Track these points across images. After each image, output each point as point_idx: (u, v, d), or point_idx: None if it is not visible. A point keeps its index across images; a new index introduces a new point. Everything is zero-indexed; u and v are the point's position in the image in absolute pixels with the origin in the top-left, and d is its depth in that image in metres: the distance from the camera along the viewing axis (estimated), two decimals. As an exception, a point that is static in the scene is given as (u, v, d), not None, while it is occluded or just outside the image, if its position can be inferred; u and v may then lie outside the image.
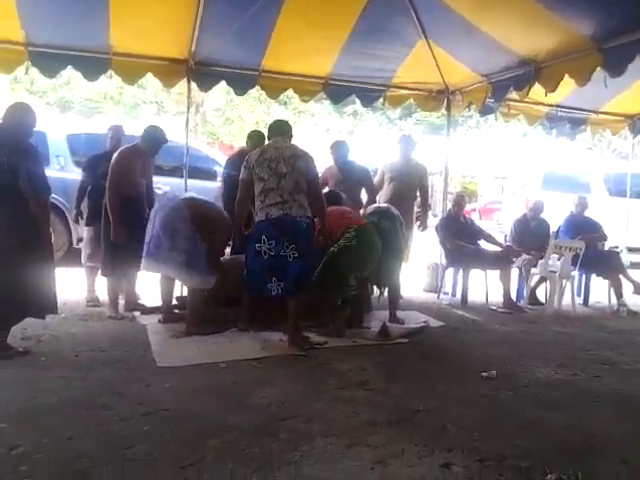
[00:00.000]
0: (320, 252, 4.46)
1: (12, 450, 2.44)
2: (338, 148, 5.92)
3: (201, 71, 5.97)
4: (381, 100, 6.89)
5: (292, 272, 4.08)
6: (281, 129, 4.43)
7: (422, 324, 5.00)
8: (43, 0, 4.85)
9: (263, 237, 4.12)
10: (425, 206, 6.34)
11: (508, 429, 2.97)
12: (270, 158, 4.14)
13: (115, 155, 4.80)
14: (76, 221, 5.77)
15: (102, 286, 5.12)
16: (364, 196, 5.95)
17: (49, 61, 5.44)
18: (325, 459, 2.52)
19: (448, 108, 6.96)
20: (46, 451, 2.46)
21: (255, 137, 5.43)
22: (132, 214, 4.73)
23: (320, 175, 5.71)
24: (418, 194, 6.35)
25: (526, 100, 6.65)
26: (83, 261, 5.34)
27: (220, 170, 7.41)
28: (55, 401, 3.00)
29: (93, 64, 5.58)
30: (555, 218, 7.01)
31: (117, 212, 4.67)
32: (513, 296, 6.30)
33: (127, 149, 4.88)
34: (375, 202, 5.94)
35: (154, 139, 4.93)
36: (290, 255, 4.08)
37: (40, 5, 4.89)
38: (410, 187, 6.12)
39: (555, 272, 6.20)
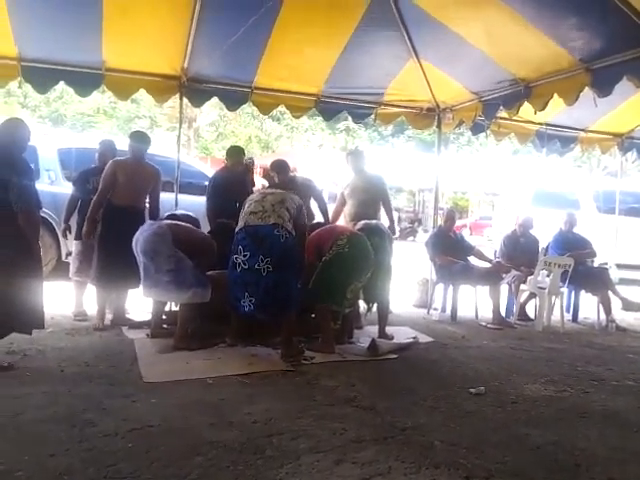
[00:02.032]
0: (308, 268, 4.47)
1: (-7, 467, 2.41)
2: (354, 157, 6.03)
3: (193, 87, 5.99)
4: (372, 117, 6.95)
5: (265, 286, 4.06)
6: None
7: (411, 340, 5.00)
8: (36, 15, 4.84)
9: (239, 248, 4.12)
10: (390, 216, 6.15)
11: (496, 445, 2.95)
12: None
13: (108, 164, 4.90)
14: (64, 235, 5.77)
15: (90, 300, 5.08)
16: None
17: (41, 76, 5.45)
18: (311, 476, 2.50)
19: (439, 126, 7.02)
20: (27, 468, 2.42)
21: (233, 153, 5.58)
22: (121, 226, 4.74)
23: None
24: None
25: (516, 119, 6.71)
26: (71, 275, 5.31)
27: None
28: (38, 417, 2.95)
29: (86, 80, 5.59)
30: (545, 234, 7.06)
31: (94, 211, 4.82)
32: (502, 312, 6.31)
33: (120, 160, 4.95)
34: (392, 215, 5.99)
35: (137, 143, 5.05)
36: (264, 269, 4.07)
37: (33, 20, 4.90)
38: (370, 200, 5.90)
39: (544, 288, 6.22)
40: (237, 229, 4.27)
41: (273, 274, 4.06)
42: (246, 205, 4.37)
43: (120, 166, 4.92)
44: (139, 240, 4.44)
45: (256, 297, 4.10)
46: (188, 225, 4.70)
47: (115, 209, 4.88)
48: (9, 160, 3.58)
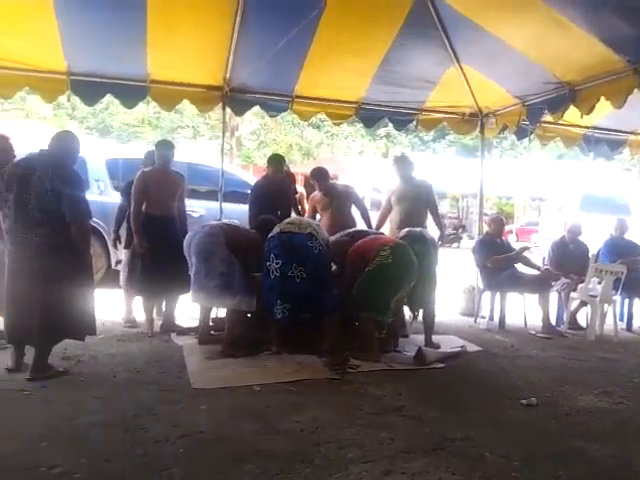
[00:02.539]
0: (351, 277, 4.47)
1: (51, 469, 2.48)
2: (401, 164, 6.03)
3: (235, 97, 6.08)
4: (414, 123, 6.89)
5: (301, 292, 4.07)
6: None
7: (458, 349, 4.91)
8: (85, 31, 5.01)
9: (272, 255, 4.14)
10: (438, 223, 6.09)
11: (549, 459, 2.88)
12: None
13: (136, 176, 5.01)
14: (114, 245, 5.90)
15: (139, 308, 5.20)
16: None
17: (89, 89, 5.61)
18: (360, 486, 2.49)
19: (482, 131, 6.92)
20: (84, 471, 2.49)
21: (274, 161, 5.67)
22: (156, 234, 4.86)
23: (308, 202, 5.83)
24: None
25: (561, 122, 6.56)
26: (122, 283, 5.44)
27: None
28: (93, 421, 3.03)
29: (131, 92, 5.74)
30: (594, 240, 6.87)
31: (137, 223, 4.90)
32: (553, 320, 6.15)
33: (148, 170, 5.07)
34: (439, 220, 5.91)
35: (166, 151, 5.15)
36: (298, 276, 4.07)
37: (82, 36, 5.07)
38: (416, 208, 5.84)
39: (596, 296, 6.03)
40: (270, 235, 4.29)
41: (307, 281, 4.08)
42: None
43: (149, 176, 5.03)
44: (192, 242, 4.52)
45: (291, 303, 4.11)
46: (236, 223, 4.79)
47: (149, 218, 4.97)
48: (61, 172, 3.69)
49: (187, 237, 4.64)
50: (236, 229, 4.71)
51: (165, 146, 5.27)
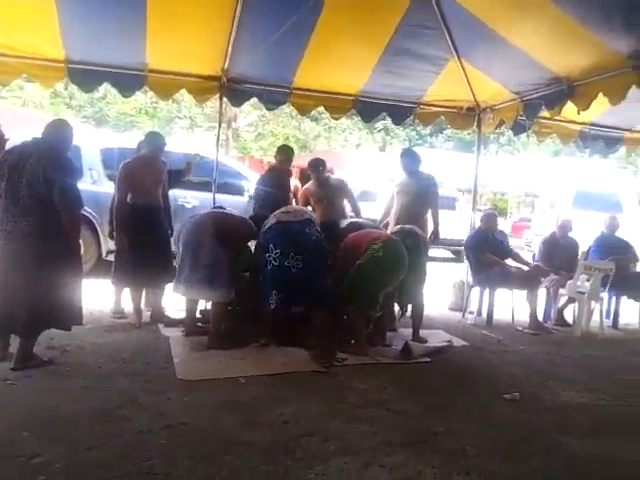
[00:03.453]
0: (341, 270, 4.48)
1: (32, 459, 2.49)
2: (406, 158, 6.02)
3: (233, 88, 6.06)
4: (412, 117, 6.88)
5: (293, 282, 4.09)
6: None
7: (445, 343, 4.94)
8: (83, 19, 4.99)
9: (270, 246, 4.15)
10: (436, 219, 6.01)
11: (529, 453, 2.91)
12: None
13: (120, 167, 4.97)
14: (111, 236, 5.84)
15: (127, 298, 5.19)
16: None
17: (87, 77, 5.59)
18: (340, 479, 2.50)
19: (479, 126, 6.91)
20: (65, 461, 2.50)
21: (284, 152, 5.72)
22: (142, 225, 4.84)
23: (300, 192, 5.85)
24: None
25: (558, 118, 6.54)
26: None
27: (247, 185, 7.63)
28: (76, 411, 3.04)
29: (129, 81, 5.71)
30: (586, 237, 6.88)
31: (118, 218, 4.88)
32: (540, 317, 6.18)
33: (131, 160, 5.04)
34: (438, 220, 5.95)
35: (156, 142, 5.14)
36: (294, 266, 4.09)
37: (80, 24, 5.06)
38: (416, 204, 5.78)
39: (584, 293, 6.06)
40: (267, 227, 4.29)
41: (302, 271, 4.08)
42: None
43: (132, 166, 4.98)
44: (182, 232, 4.52)
45: (283, 293, 4.12)
46: (227, 211, 4.77)
47: (135, 208, 4.93)
48: (54, 159, 3.68)
49: (177, 228, 4.63)
50: (226, 217, 4.68)
51: (155, 137, 5.27)
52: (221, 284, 4.35)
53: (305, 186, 5.96)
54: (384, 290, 4.51)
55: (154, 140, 5.20)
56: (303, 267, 4.10)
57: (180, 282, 4.49)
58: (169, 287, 5.02)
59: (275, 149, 6.21)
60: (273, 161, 6.11)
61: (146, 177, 4.97)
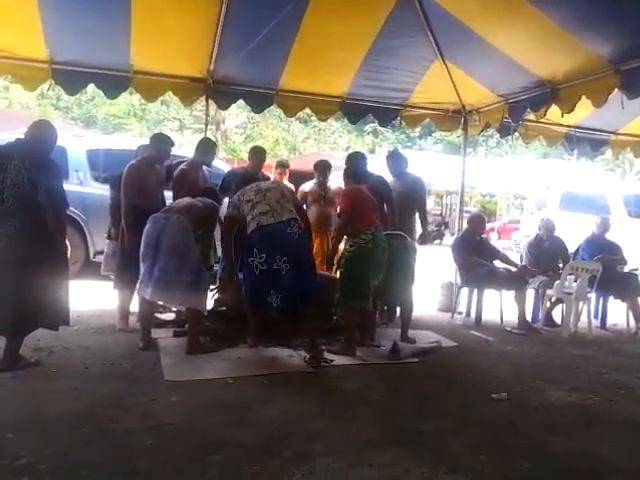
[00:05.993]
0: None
1: (15, 461, 2.46)
2: (392, 160, 6.01)
3: (219, 89, 6.06)
4: (398, 119, 6.91)
5: (287, 284, 4.08)
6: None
7: (434, 344, 4.95)
8: (67, 19, 4.97)
9: (255, 250, 4.14)
10: (423, 222, 5.99)
11: (515, 452, 2.92)
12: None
13: (125, 169, 4.86)
14: (110, 237, 5.69)
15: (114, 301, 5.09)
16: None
17: (72, 78, 5.56)
18: (326, 478, 2.50)
19: (465, 128, 6.95)
20: (49, 462, 2.48)
21: (257, 154, 5.71)
22: (142, 228, 4.75)
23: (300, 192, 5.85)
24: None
25: (543, 121, 6.60)
26: (102, 271, 5.37)
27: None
28: (62, 413, 3.02)
29: (114, 82, 5.69)
30: (572, 239, 6.93)
31: (129, 221, 4.72)
32: (528, 317, 6.21)
33: (136, 162, 4.95)
34: (426, 219, 5.97)
35: (163, 144, 5.03)
36: (283, 268, 4.08)
37: (64, 24, 5.02)
38: (406, 203, 5.71)
39: (571, 294, 6.10)
40: (249, 231, 4.24)
41: (292, 272, 4.07)
42: (246, 207, 4.28)
43: (139, 168, 4.87)
44: (162, 235, 4.20)
45: (281, 293, 4.12)
46: (185, 199, 4.60)
47: (140, 211, 4.83)
48: (38, 160, 3.66)
49: (149, 228, 4.29)
50: (191, 205, 4.47)
51: (164, 141, 5.10)
52: (203, 291, 4.30)
53: (304, 184, 6.03)
54: (373, 281, 4.54)
55: (162, 144, 5.04)
56: (291, 268, 4.09)
57: (163, 287, 4.18)
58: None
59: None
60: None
61: (151, 180, 4.87)
